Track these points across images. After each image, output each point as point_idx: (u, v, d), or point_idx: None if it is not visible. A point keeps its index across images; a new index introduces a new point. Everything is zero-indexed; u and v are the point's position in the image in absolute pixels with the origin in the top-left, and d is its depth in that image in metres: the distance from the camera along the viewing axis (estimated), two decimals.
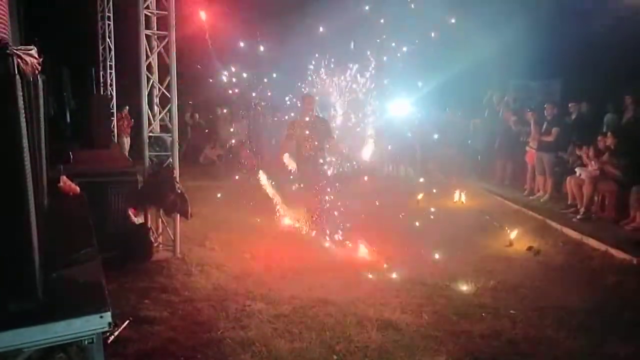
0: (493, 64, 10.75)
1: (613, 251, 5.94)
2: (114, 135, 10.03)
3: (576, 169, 7.72)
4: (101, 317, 1.91)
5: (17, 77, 1.88)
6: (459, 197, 8.86)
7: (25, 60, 2.04)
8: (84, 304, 1.95)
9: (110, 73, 10.08)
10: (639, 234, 6.26)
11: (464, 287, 4.89)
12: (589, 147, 7.48)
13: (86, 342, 1.95)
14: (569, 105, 9.10)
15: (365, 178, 8.39)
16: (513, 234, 6.49)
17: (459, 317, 4.25)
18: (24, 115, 1.94)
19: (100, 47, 10.08)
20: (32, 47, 2.10)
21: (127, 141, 12.34)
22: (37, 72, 2.33)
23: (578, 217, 7.26)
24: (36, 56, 2.17)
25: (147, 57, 5.57)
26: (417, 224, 6.85)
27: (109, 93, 10.10)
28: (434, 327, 4.04)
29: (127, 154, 9.98)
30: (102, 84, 10.16)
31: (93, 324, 1.90)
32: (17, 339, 1.78)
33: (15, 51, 1.85)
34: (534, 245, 6.21)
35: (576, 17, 9.32)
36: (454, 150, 10.70)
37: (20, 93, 1.92)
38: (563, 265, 5.64)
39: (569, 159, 8.39)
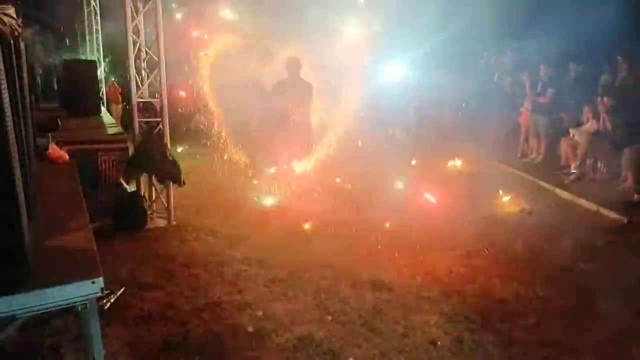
0: (488, 25, 10.53)
1: (604, 211, 6.01)
2: (103, 103, 9.85)
3: (570, 130, 7.71)
4: (93, 282, 1.90)
5: None
6: (454, 161, 8.85)
7: (4, 21, 1.96)
8: (75, 270, 1.95)
9: (97, 37, 9.81)
10: (630, 194, 6.31)
11: (456, 249, 4.94)
12: (589, 106, 7.45)
13: (80, 308, 1.96)
14: (569, 65, 8.97)
15: (359, 143, 8.35)
16: (506, 197, 6.52)
17: (451, 277, 4.32)
18: (4, 77, 1.87)
19: (86, 11, 9.78)
20: (8, 5, 2.01)
21: (118, 108, 12.15)
22: (17, 33, 2.24)
23: (571, 178, 7.30)
24: (14, 16, 2.08)
25: (133, 18, 5.41)
26: (408, 189, 6.86)
27: (96, 58, 9.85)
28: (426, 288, 4.11)
29: (118, 121, 9.84)
30: (89, 49, 9.91)
31: (85, 290, 1.90)
32: (9, 305, 1.77)
33: None
34: (526, 207, 6.25)
35: None
36: (448, 113, 10.61)
37: None
38: (555, 225, 5.70)
39: (563, 119, 8.35)
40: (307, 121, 6.96)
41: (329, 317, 3.65)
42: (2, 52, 1.83)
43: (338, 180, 7.27)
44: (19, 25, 2.20)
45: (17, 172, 1.84)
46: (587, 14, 8.36)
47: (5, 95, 1.74)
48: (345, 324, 3.57)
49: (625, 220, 5.68)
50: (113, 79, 11.03)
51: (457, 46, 10.83)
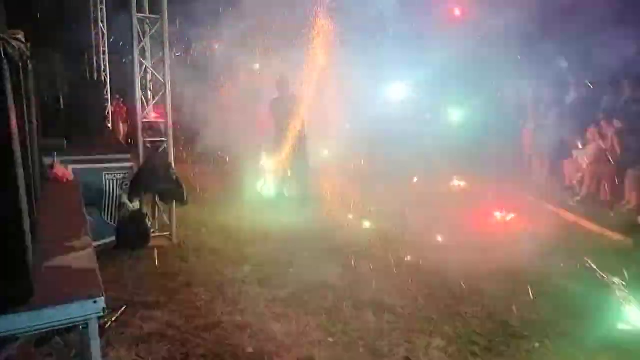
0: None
1: (609, 233, 5.98)
2: (109, 122, 9.95)
3: (573, 152, 7.72)
4: (95, 302, 1.91)
5: (5, 61, 1.85)
6: (455, 180, 8.87)
7: (13, 45, 2.01)
8: (77, 290, 1.95)
9: (104, 58, 9.95)
10: (634, 216, 6.29)
11: (459, 270, 4.91)
12: (596, 127, 7.46)
13: (81, 328, 1.96)
14: (570, 84, 9.01)
15: (362, 162, 8.41)
16: (509, 217, 6.51)
17: (454, 299, 4.29)
18: (12, 100, 1.91)
19: (94, 32, 9.94)
20: (19, 31, 2.07)
21: (123, 127, 12.25)
22: (25, 57, 2.30)
23: (574, 199, 7.29)
24: (23, 40, 2.13)
25: (140, 41, 5.50)
26: (411, 206, 6.86)
27: (103, 78, 9.99)
28: (429, 310, 4.08)
29: (123, 140, 9.93)
30: (95, 70, 10.04)
31: (87, 309, 1.90)
32: (9, 324, 1.78)
33: (1, 36, 1.82)
34: (529, 228, 6.23)
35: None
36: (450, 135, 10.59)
37: (7, 78, 1.90)
38: (559, 247, 5.66)
39: (566, 140, 8.36)
40: (302, 134, 7.37)
41: (330, 339, 3.62)
42: (10, 75, 1.87)
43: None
44: (27, 49, 2.26)
45: (23, 191, 1.87)
46: (590, 35, 8.45)
47: (13, 117, 1.77)
48: (347, 345, 3.54)
49: (629, 241, 5.64)
50: (118, 97, 11.11)
51: (462, 67, 10.82)
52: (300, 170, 7.36)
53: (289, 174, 7.35)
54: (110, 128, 9.68)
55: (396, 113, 9.85)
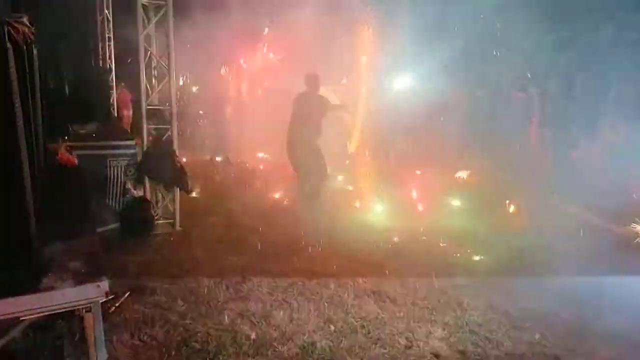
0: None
1: (613, 226, 5.97)
2: (113, 108, 9.95)
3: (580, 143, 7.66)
4: (98, 286, 1.93)
5: (9, 46, 1.85)
6: (461, 173, 8.86)
7: (17, 29, 2.01)
8: (80, 274, 1.97)
9: (109, 45, 9.93)
10: None
11: (461, 261, 4.93)
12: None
13: (84, 311, 1.98)
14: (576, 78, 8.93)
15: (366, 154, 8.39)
16: (513, 210, 6.50)
17: (455, 290, 4.30)
18: (17, 85, 1.92)
19: (99, 19, 9.91)
20: (23, 15, 2.07)
21: (127, 114, 12.23)
22: (30, 41, 2.30)
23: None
24: (28, 25, 2.13)
25: (144, 27, 5.49)
26: (416, 199, 6.87)
27: (108, 65, 9.97)
28: (430, 300, 4.10)
29: (127, 127, 9.92)
30: (100, 56, 10.02)
31: (90, 293, 1.92)
32: (14, 307, 1.80)
33: (5, 19, 1.82)
34: (533, 220, 6.22)
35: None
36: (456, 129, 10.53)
37: (12, 63, 1.90)
38: (562, 237, 5.64)
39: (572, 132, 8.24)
40: (320, 137, 6.88)
41: (332, 327, 3.64)
42: (15, 60, 1.88)
43: (351, 188, 7.33)
44: (32, 33, 2.26)
45: (27, 176, 1.89)
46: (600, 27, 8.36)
47: (17, 103, 1.78)
48: (348, 334, 3.56)
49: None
50: (122, 84, 11.10)
51: (467, 57, 10.72)
52: (316, 168, 6.84)
53: (303, 171, 6.89)
54: (115, 115, 9.67)
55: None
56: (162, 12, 5.47)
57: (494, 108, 10.12)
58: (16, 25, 1.98)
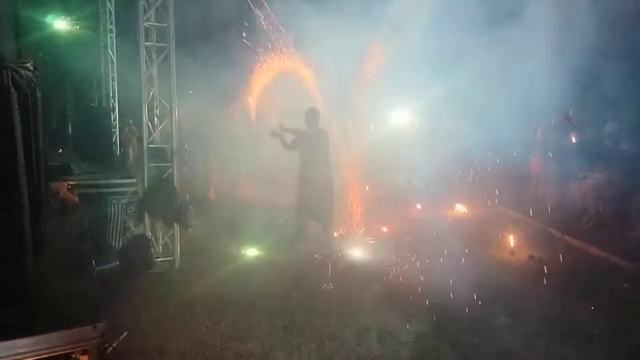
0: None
1: (616, 259, 5.90)
2: (116, 147, 10.05)
3: (579, 175, 7.68)
4: (95, 327, 1.91)
5: (12, 89, 1.90)
6: (460, 207, 8.86)
7: (21, 74, 2.06)
8: (77, 315, 1.96)
9: (113, 85, 10.13)
10: None
11: (464, 298, 4.85)
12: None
13: (81, 353, 1.95)
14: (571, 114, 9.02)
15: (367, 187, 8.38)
16: (514, 243, 6.45)
17: (458, 327, 4.23)
18: (19, 127, 1.96)
19: (103, 60, 10.15)
20: (27, 60, 2.13)
21: (133, 153, 12.32)
22: (33, 84, 2.36)
23: (581, 225, 7.22)
24: (32, 69, 2.19)
25: (147, 68, 5.62)
26: (416, 233, 6.83)
27: (111, 105, 10.14)
28: (433, 337, 4.03)
29: (132, 165, 9.99)
30: (104, 96, 10.21)
31: (86, 335, 1.90)
32: (11, 349, 1.78)
33: (9, 65, 1.87)
34: (534, 254, 6.17)
35: None
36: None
37: (15, 106, 1.95)
38: (565, 273, 5.59)
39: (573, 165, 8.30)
40: (328, 176, 6.67)
41: None
42: (18, 103, 1.93)
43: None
44: (35, 77, 2.32)
45: (27, 217, 1.90)
46: (591, 63, 8.48)
47: (20, 144, 1.82)
48: None
49: (637, 268, 5.56)
50: (131, 122, 11.22)
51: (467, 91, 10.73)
52: (324, 211, 6.63)
53: (309, 214, 6.68)
54: (118, 153, 9.76)
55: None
56: (164, 53, 5.60)
57: None
58: (20, 69, 2.04)
